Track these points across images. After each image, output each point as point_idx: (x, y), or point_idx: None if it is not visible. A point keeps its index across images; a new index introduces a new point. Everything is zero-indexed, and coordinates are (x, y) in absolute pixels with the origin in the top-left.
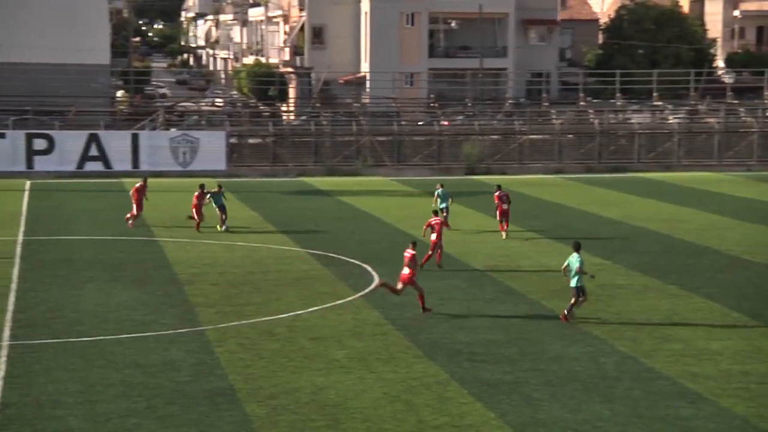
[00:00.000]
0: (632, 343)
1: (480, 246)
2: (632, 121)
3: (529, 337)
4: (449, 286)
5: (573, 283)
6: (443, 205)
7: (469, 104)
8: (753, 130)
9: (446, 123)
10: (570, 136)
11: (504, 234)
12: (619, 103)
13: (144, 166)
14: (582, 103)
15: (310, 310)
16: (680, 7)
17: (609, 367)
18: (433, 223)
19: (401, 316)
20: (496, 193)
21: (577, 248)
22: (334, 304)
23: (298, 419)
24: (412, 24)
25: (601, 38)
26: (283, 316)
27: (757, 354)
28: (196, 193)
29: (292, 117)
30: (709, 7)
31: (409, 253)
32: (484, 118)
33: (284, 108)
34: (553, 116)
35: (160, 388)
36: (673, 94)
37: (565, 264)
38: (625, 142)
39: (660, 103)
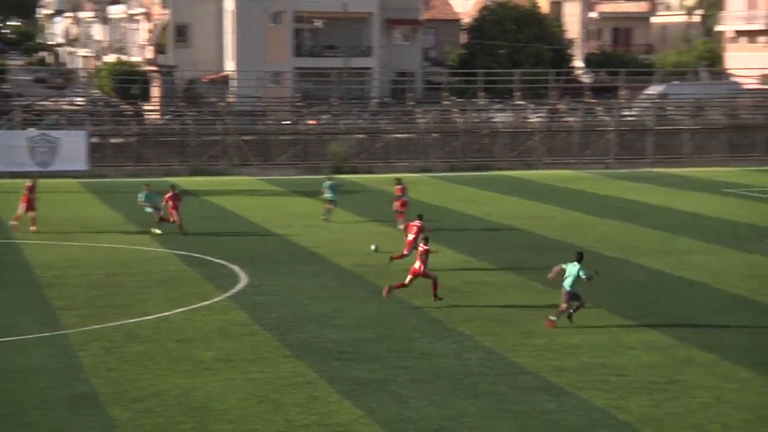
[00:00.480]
0: (496, 339)
1: (348, 245)
2: (495, 120)
3: (397, 334)
4: (318, 284)
5: (567, 287)
6: (330, 196)
7: (335, 103)
8: (610, 128)
9: (312, 122)
10: (435, 134)
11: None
12: (482, 102)
13: (0, 167)
14: (446, 103)
15: (176, 311)
16: (539, 8)
17: (474, 362)
18: (411, 224)
19: (269, 316)
20: (398, 186)
21: (580, 258)
22: (200, 305)
23: (164, 422)
24: (278, 23)
25: (464, 38)
26: (148, 318)
27: (615, 347)
28: (169, 195)
29: (156, 116)
30: (567, 9)
31: (422, 247)
32: (350, 117)
33: (148, 107)
34: (418, 115)
35: (21, 395)
36: (534, 94)
37: (561, 267)
38: (488, 141)
39: (522, 102)
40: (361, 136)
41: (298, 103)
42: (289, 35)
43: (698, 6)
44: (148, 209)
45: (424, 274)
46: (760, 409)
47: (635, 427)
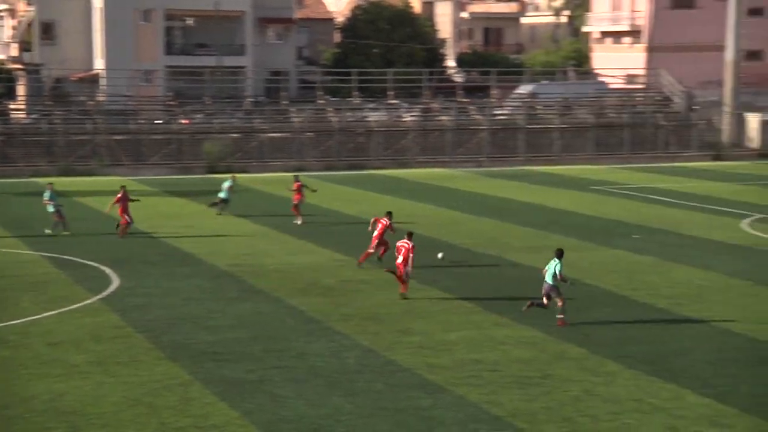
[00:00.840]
0: (374, 337)
1: (224, 245)
2: (369, 119)
3: (273, 334)
4: (192, 285)
5: (548, 281)
6: (223, 195)
7: (209, 102)
8: (482, 127)
9: (185, 121)
10: (309, 134)
11: (300, 220)
12: (356, 102)
13: None
14: (320, 102)
15: (45, 314)
16: (412, 7)
17: (351, 361)
18: (378, 220)
19: (142, 318)
20: (297, 183)
21: (560, 255)
22: (71, 307)
23: (34, 428)
24: (148, 21)
25: (337, 37)
26: (16, 322)
27: (488, 342)
28: (119, 195)
29: (22, 115)
30: (439, 9)
31: (404, 244)
32: (224, 116)
33: (13, 106)
34: (293, 114)
35: None
36: (408, 93)
37: (546, 268)
38: (362, 140)
39: (396, 101)
40: (235, 135)
41: (171, 102)
42: (159, 33)
43: (565, 7)
44: (51, 209)
45: (401, 270)
46: (626, 401)
47: (508, 421)
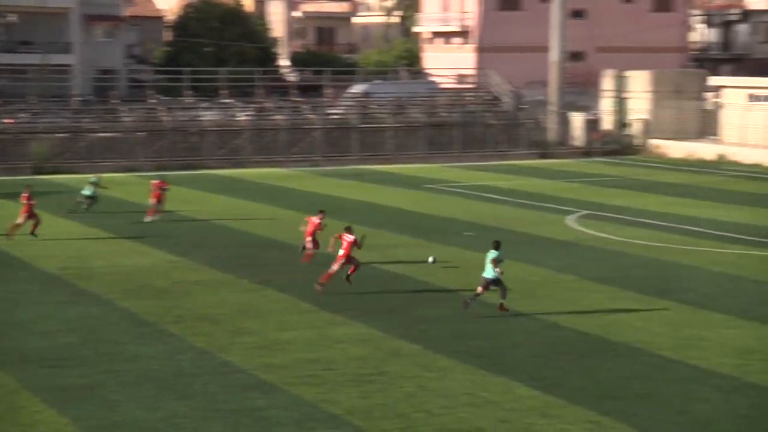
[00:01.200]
0: (208, 339)
1: (51, 248)
2: (202, 118)
3: (104, 338)
4: (18, 290)
5: (486, 275)
6: (87, 192)
7: (34, 101)
8: (316, 126)
9: (9, 121)
10: (141, 133)
11: (151, 219)
12: (188, 101)
13: None
14: (152, 101)
15: None
16: (243, 6)
17: (185, 363)
18: (310, 219)
19: None
20: (156, 182)
21: (497, 246)
22: None
23: None
24: None
25: (168, 36)
26: None
27: (324, 341)
28: (26, 194)
29: None
30: (271, 7)
31: (347, 238)
32: (51, 115)
33: None
34: (123, 114)
35: None
36: (241, 92)
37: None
38: (196, 139)
39: (229, 100)
40: (62, 135)
41: None
42: None
43: (396, 7)
44: None
45: (348, 260)
46: (460, 395)
47: (344, 419)
